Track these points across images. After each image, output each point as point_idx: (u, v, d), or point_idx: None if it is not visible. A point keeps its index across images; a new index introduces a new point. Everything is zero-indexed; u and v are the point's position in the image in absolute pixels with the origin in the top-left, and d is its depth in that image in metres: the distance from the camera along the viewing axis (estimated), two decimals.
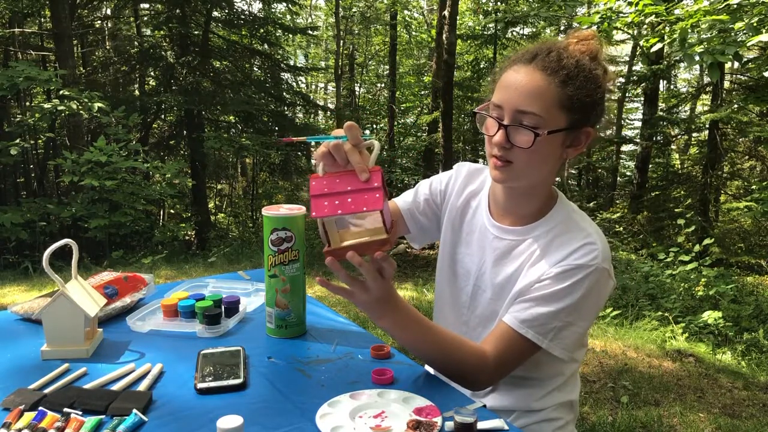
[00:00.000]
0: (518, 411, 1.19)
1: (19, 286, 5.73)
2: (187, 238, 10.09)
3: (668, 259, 5.97)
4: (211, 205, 12.55)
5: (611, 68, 1.14)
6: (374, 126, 14.23)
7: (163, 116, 11.15)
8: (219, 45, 10.81)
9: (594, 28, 4.94)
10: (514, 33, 12.89)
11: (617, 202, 12.18)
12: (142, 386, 1.01)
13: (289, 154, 10.98)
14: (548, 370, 1.18)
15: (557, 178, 1.20)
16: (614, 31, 5.16)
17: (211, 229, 10.00)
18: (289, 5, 11.91)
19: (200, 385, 1.01)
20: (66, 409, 0.92)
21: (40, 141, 10.24)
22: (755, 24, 3.89)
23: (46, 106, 7.23)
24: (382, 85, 15.52)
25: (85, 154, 6.96)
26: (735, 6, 3.94)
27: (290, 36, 12.89)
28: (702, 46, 3.87)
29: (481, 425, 0.93)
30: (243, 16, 10.81)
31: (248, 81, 10.82)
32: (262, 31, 10.97)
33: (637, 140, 11.64)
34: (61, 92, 7.31)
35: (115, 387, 1.01)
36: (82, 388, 1.00)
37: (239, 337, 1.26)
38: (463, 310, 1.25)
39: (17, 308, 1.34)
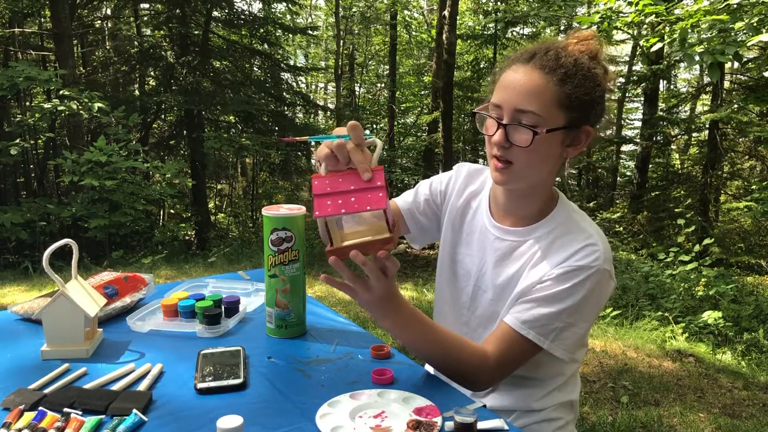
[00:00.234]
0: (518, 411, 1.19)
1: (19, 286, 5.73)
2: (187, 238, 10.09)
3: (668, 259, 5.97)
4: (211, 205, 12.55)
5: (612, 68, 1.14)
6: (374, 126, 14.23)
7: (163, 116, 11.15)
8: (219, 45, 10.81)
9: (594, 28, 4.94)
10: (514, 33, 12.90)
11: (617, 202, 12.18)
12: (142, 386, 1.01)
13: (289, 154, 10.98)
14: (549, 370, 1.18)
15: (557, 178, 1.20)
16: (614, 31, 5.16)
17: (211, 229, 10.00)
18: (289, 5, 11.92)
19: (200, 385, 1.01)
20: (66, 409, 0.92)
21: (40, 141, 10.24)
22: (755, 24, 3.89)
23: (46, 106, 7.23)
24: (382, 85, 15.52)
25: (85, 154, 6.96)
26: (735, 6, 3.94)
27: (290, 36, 12.89)
28: (702, 46, 3.87)
29: (481, 425, 0.93)
30: (243, 16, 10.81)
31: (248, 81, 10.83)
32: (262, 31, 10.97)
33: (637, 140, 11.64)
34: (61, 92, 7.31)
35: (115, 387, 1.01)
36: (82, 388, 1.00)
37: (239, 337, 1.26)
38: (464, 311, 1.24)
39: (17, 308, 1.34)
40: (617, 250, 7.56)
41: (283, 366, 1.12)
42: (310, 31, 12.98)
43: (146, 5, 11.27)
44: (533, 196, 1.15)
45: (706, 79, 12.19)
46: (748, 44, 3.81)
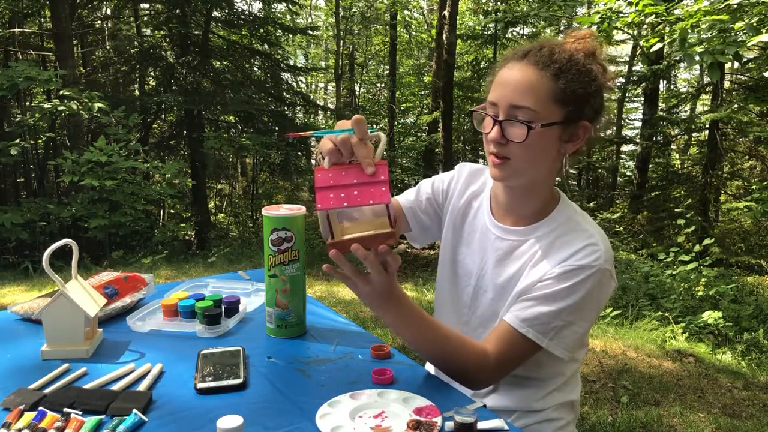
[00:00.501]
0: (519, 411, 1.19)
1: (19, 286, 5.73)
2: (187, 238, 10.09)
3: (668, 259, 5.97)
4: (211, 205, 12.55)
5: (612, 68, 1.14)
6: (374, 126, 14.23)
7: (163, 116, 11.15)
8: (219, 45, 10.81)
9: (594, 28, 4.94)
10: (514, 33, 12.89)
11: (617, 202, 12.18)
12: (142, 386, 1.01)
13: (289, 154, 10.99)
14: (549, 370, 1.18)
15: (557, 178, 1.20)
16: (614, 31, 5.15)
17: (211, 229, 10.01)
18: (289, 5, 11.92)
19: (200, 385, 1.01)
20: (66, 409, 0.92)
21: (40, 141, 10.24)
22: (755, 24, 3.89)
23: (46, 106, 7.23)
24: (382, 85, 15.52)
25: (85, 154, 6.96)
26: (735, 6, 3.94)
27: (290, 36, 12.89)
28: (702, 46, 3.87)
29: (481, 425, 0.93)
30: (243, 16, 10.82)
31: (248, 81, 10.83)
32: (262, 31, 10.98)
33: (637, 140, 11.64)
34: (61, 92, 7.32)
35: (115, 387, 1.01)
36: (82, 388, 1.00)
37: (239, 337, 1.26)
38: (464, 311, 1.24)
39: (17, 308, 1.34)
40: (617, 250, 7.56)
41: (283, 366, 1.12)
42: (310, 31, 12.98)
43: (146, 5, 11.28)
44: (533, 195, 1.15)
45: (706, 79, 12.20)
46: (748, 44, 3.81)
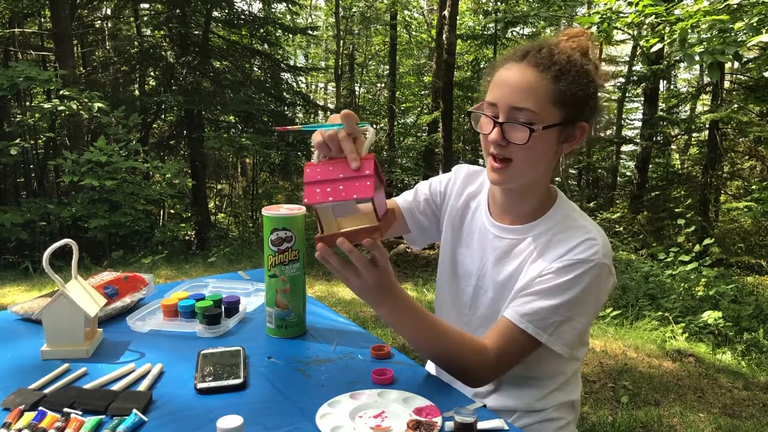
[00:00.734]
0: (520, 411, 1.19)
1: (19, 286, 5.73)
2: (187, 238, 10.09)
3: (668, 259, 5.97)
4: (211, 205, 12.55)
5: (604, 66, 1.15)
6: (374, 126, 14.22)
7: (163, 116, 11.15)
8: (219, 45, 10.81)
9: (594, 28, 4.94)
10: (514, 33, 12.89)
11: (617, 202, 12.18)
12: (142, 386, 1.01)
13: (289, 154, 10.99)
14: (549, 368, 1.18)
15: (557, 178, 1.21)
16: (614, 31, 5.15)
17: (211, 229, 10.01)
18: (289, 5, 11.92)
19: (200, 385, 1.01)
20: (66, 409, 0.92)
21: (40, 141, 10.24)
22: (755, 24, 3.89)
23: (46, 106, 7.23)
24: (382, 85, 15.51)
25: (85, 154, 6.96)
26: (735, 6, 3.94)
27: (290, 36, 12.89)
28: (702, 46, 3.87)
29: (481, 425, 0.93)
30: (243, 16, 10.82)
31: (248, 81, 10.83)
32: (262, 31, 10.98)
33: (637, 140, 11.65)
34: (61, 92, 7.32)
35: (115, 387, 1.01)
36: (82, 388, 1.00)
37: (239, 337, 1.26)
38: (465, 311, 1.24)
39: (17, 308, 1.34)
40: (617, 250, 7.56)
41: (283, 366, 1.12)
42: (310, 31, 12.98)
43: (146, 5, 11.28)
44: (531, 194, 1.16)
45: (706, 79, 12.20)
46: (748, 44, 3.81)
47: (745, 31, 4.01)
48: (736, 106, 9.58)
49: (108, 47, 11.78)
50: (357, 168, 0.90)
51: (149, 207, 8.79)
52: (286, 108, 11.73)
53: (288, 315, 1.24)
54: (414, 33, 15.04)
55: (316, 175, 0.93)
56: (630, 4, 4.55)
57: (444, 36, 9.04)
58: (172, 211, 11.72)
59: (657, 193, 11.15)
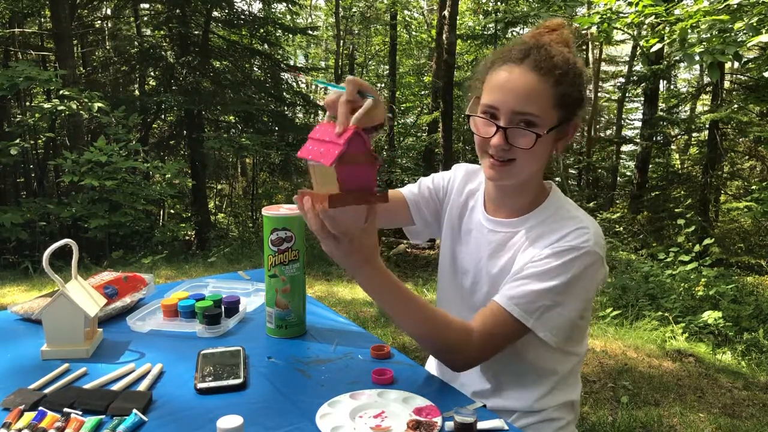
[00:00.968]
0: (519, 411, 1.19)
1: (19, 286, 5.72)
2: (187, 238, 10.09)
3: (668, 259, 5.97)
4: (211, 205, 12.55)
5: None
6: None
7: (163, 116, 11.15)
8: (219, 45, 10.80)
9: (594, 28, 4.95)
10: (514, 33, 12.88)
11: (617, 202, 12.19)
12: (142, 386, 1.01)
13: (289, 154, 10.99)
14: (545, 363, 1.18)
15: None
16: (614, 31, 5.15)
17: (211, 229, 10.00)
18: (289, 5, 11.92)
19: (200, 385, 1.01)
20: (66, 409, 0.92)
21: (40, 141, 10.24)
22: (755, 24, 3.89)
23: (46, 106, 7.23)
24: (382, 85, 15.51)
25: (85, 154, 6.96)
26: (735, 6, 3.94)
27: (290, 36, 12.89)
28: (702, 46, 3.87)
29: (481, 425, 0.93)
30: (243, 16, 10.81)
31: (248, 81, 10.83)
32: (262, 31, 10.97)
33: (637, 140, 11.65)
34: (61, 92, 7.31)
35: (115, 387, 1.01)
36: (82, 388, 1.00)
37: (239, 337, 1.26)
38: (463, 306, 1.25)
39: (17, 308, 1.34)
40: (617, 250, 7.56)
41: (283, 366, 1.12)
42: (310, 31, 12.98)
43: (146, 5, 11.28)
44: (525, 189, 1.17)
45: (706, 79, 12.20)
46: (748, 44, 3.81)
47: (745, 31, 4.01)
48: (736, 106, 9.58)
49: (108, 47, 11.78)
50: (338, 134, 0.90)
51: (149, 207, 8.78)
52: (286, 108, 11.73)
53: (288, 315, 1.24)
54: (414, 33, 15.04)
55: (316, 133, 0.95)
56: (630, 4, 4.55)
57: (444, 36, 9.04)
58: (172, 211, 11.72)
59: (657, 193, 11.16)
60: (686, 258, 5.68)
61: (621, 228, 9.07)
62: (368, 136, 0.94)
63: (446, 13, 8.84)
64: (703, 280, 5.20)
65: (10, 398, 0.96)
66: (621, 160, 13.39)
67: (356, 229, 0.96)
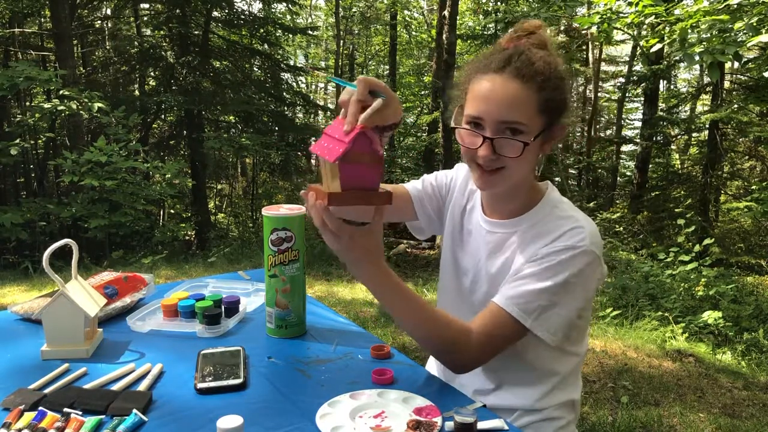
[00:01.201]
0: (520, 410, 1.19)
1: (19, 286, 5.72)
2: (187, 238, 10.08)
3: (668, 259, 5.96)
4: (211, 205, 12.54)
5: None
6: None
7: (163, 116, 11.15)
8: (219, 45, 10.80)
9: (594, 28, 4.94)
10: None
11: (617, 202, 12.18)
12: (142, 386, 1.02)
13: (289, 154, 10.99)
14: (545, 363, 1.18)
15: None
16: (614, 31, 5.15)
17: (211, 229, 10.00)
18: (289, 5, 11.91)
19: (200, 385, 1.01)
20: (66, 409, 0.92)
21: (40, 141, 10.23)
22: (755, 24, 3.88)
23: (46, 106, 7.23)
24: None
25: (85, 154, 6.96)
26: (735, 6, 3.94)
27: (290, 36, 12.89)
28: (702, 46, 3.87)
29: (481, 425, 0.93)
30: (243, 16, 10.81)
31: (248, 81, 10.82)
32: (262, 31, 10.97)
33: (637, 140, 11.65)
34: (61, 92, 7.31)
35: (115, 387, 1.01)
36: (82, 388, 1.00)
37: (239, 337, 1.26)
38: (463, 307, 1.25)
39: (17, 308, 1.34)
40: (617, 250, 7.56)
41: (283, 366, 1.12)
42: (310, 31, 12.98)
43: (146, 5, 11.28)
44: (517, 192, 1.17)
45: (706, 79, 12.20)
46: (748, 44, 3.81)
47: (745, 31, 4.01)
48: (736, 106, 9.58)
49: (108, 47, 11.78)
50: (346, 132, 0.91)
51: (149, 207, 8.78)
52: (286, 108, 11.72)
53: (288, 315, 1.24)
54: (414, 33, 15.04)
55: (329, 129, 0.96)
56: (630, 4, 4.55)
57: (444, 36, 9.04)
58: (172, 211, 11.71)
59: (657, 193, 11.16)
60: (686, 258, 5.68)
61: (621, 228, 9.06)
62: (380, 136, 0.94)
63: (446, 13, 8.84)
64: (703, 280, 5.19)
65: (10, 398, 0.96)
66: (621, 160, 13.38)
67: (356, 227, 0.96)
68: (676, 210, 8.49)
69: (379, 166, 0.94)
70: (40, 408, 0.92)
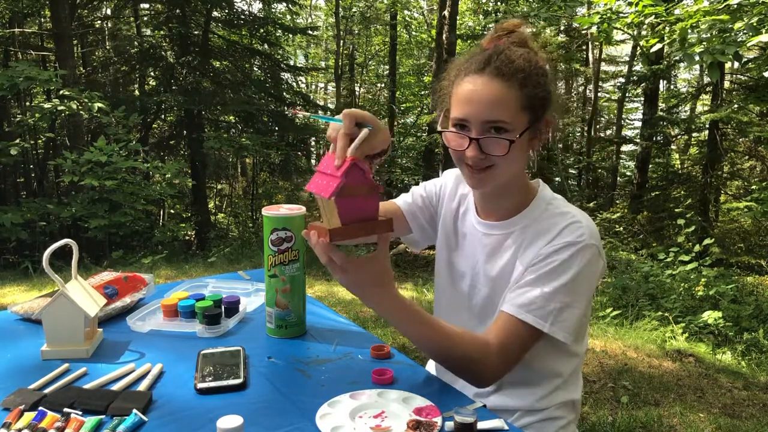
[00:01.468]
0: (521, 411, 1.19)
1: (19, 286, 5.72)
2: (187, 238, 10.09)
3: (668, 259, 5.97)
4: (211, 205, 12.55)
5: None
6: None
7: (163, 116, 11.15)
8: (219, 45, 10.81)
9: (594, 28, 4.94)
10: None
11: (617, 202, 12.19)
12: (142, 386, 1.01)
13: (289, 154, 10.99)
14: (549, 365, 1.18)
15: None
16: (614, 31, 5.15)
17: (211, 229, 10.00)
18: (289, 5, 11.92)
19: (200, 385, 1.01)
20: (66, 409, 0.92)
21: (40, 141, 10.24)
22: (755, 24, 3.88)
23: (46, 106, 7.23)
24: (382, 85, 15.51)
25: (85, 154, 6.96)
26: (735, 6, 3.94)
27: (290, 36, 12.89)
28: (702, 46, 3.87)
29: (481, 425, 0.93)
30: (243, 16, 10.82)
31: (248, 81, 10.83)
32: (262, 31, 10.98)
33: (637, 140, 11.65)
34: (61, 92, 7.31)
35: (115, 387, 1.01)
36: (82, 388, 1.00)
37: (239, 337, 1.26)
38: (462, 310, 1.25)
39: (17, 308, 1.34)
40: (617, 249, 7.56)
41: (283, 366, 1.12)
42: (310, 31, 12.98)
43: (146, 5, 11.28)
44: (510, 190, 1.17)
45: (706, 79, 12.20)
46: (748, 44, 3.81)
47: (745, 31, 4.01)
48: (736, 106, 9.58)
49: (108, 47, 11.78)
50: (338, 167, 0.91)
51: (149, 207, 8.78)
52: (286, 108, 11.72)
53: (288, 315, 1.24)
54: (414, 33, 15.04)
55: (322, 165, 0.96)
56: (630, 4, 4.55)
57: (444, 36, 9.04)
58: (172, 211, 11.72)
59: (657, 193, 11.16)
60: (686, 258, 5.68)
61: (621, 228, 9.06)
62: (370, 164, 0.94)
63: (446, 13, 8.85)
64: (703, 280, 5.19)
65: (10, 398, 0.96)
66: (621, 160, 13.39)
67: (362, 257, 0.97)
68: (676, 210, 8.49)
69: (375, 194, 0.94)
70: (40, 408, 0.92)
